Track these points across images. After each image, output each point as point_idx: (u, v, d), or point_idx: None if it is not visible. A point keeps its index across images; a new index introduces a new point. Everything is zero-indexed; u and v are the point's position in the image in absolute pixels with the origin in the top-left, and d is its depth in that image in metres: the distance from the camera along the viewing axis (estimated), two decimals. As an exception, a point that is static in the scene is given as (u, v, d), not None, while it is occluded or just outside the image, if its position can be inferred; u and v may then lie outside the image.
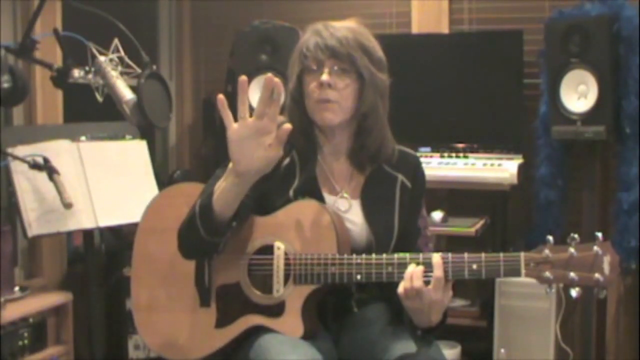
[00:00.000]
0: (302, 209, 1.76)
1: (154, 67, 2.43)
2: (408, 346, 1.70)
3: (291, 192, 1.80)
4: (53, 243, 3.04)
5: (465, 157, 3.30)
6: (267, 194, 1.79)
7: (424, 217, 2.08)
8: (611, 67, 2.87)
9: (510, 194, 3.22)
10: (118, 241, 3.17)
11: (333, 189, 1.86)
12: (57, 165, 2.50)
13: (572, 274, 1.60)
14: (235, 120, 1.59)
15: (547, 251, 1.62)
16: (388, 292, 1.77)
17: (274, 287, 1.74)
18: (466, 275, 1.65)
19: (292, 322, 1.72)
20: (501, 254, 1.64)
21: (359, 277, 1.70)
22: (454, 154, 3.32)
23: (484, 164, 3.19)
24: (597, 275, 1.59)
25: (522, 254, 1.63)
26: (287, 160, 1.84)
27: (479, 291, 3.38)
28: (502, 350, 3.06)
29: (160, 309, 1.85)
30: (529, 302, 3.01)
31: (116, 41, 2.35)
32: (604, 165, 3.20)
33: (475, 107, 3.37)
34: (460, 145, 3.35)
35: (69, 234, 3.05)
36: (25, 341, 2.62)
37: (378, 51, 1.84)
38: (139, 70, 2.36)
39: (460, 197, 3.41)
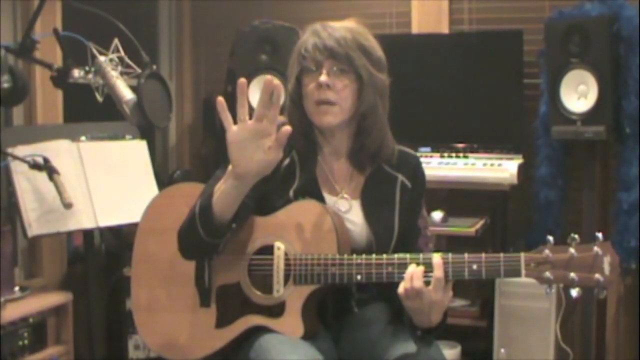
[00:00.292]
0: (303, 210, 1.76)
1: (154, 67, 2.43)
2: (408, 346, 1.70)
3: (291, 193, 1.80)
4: (53, 243, 3.04)
5: (465, 157, 3.30)
6: (267, 194, 1.79)
7: (424, 217, 2.08)
8: (611, 67, 2.87)
9: (510, 194, 3.22)
10: (118, 241, 3.17)
11: (333, 190, 1.86)
12: (57, 165, 2.50)
13: (572, 274, 1.60)
14: (235, 122, 1.59)
15: (547, 251, 1.62)
16: (388, 292, 1.77)
17: (274, 288, 1.74)
18: (466, 276, 1.65)
19: (292, 323, 1.72)
20: (501, 255, 1.64)
21: (359, 277, 1.70)
22: (454, 154, 3.32)
23: (484, 164, 3.19)
24: (597, 275, 1.59)
25: (522, 255, 1.63)
26: (287, 161, 1.84)
27: (479, 291, 3.38)
28: (502, 350, 3.06)
29: (161, 309, 1.85)
30: (529, 302, 3.01)
31: (116, 41, 2.35)
32: (604, 165, 3.20)
33: (475, 107, 3.37)
34: (460, 145, 3.35)
35: (69, 234, 3.05)
36: (25, 341, 2.61)
37: (377, 51, 1.84)
38: (139, 70, 2.36)
39: (460, 197, 3.41)
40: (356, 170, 1.88)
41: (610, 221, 3.10)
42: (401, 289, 1.65)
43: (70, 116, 3.13)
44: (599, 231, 1.64)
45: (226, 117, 1.59)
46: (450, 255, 1.66)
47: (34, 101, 2.96)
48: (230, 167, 1.64)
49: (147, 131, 3.05)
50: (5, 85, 2.25)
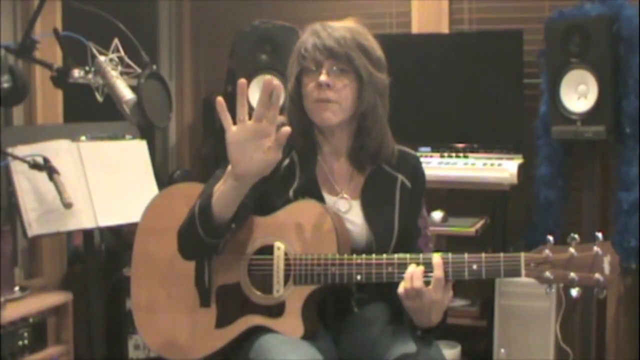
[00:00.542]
0: (302, 209, 1.76)
1: (154, 67, 2.43)
2: (408, 346, 1.70)
3: (291, 193, 1.80)
4: (53, 243, 3.04)
5: (465, 157, 3.30)
6: (267, 194, 1.79)
7: (424, 217, 2.08)
8: (611, 67, 2.87)
9: (510, 194, 3.22)
10: (118, 241, 3.17)
11: (333, 190, 1.86)
12: (57, 165, 2.50)
13: (572, 274, 1.60)
14: (234, 122, 1.59)
15: (547, 251, 1.62)
16: (388, 292, 1.77)
17: (274, 288, 1.74)
18: (466, 276, 1.65)
19: (292, 323, 1.72)
20: (501, 254, 1.64)
21: (359, 277, 1.70)
22: (454, 154, 3.32)
23: (484, 164, 3.19)
24: (597, 275, 1.59)
25: (522, 254, 1.63)
26: (287, 161, 1.84)
27: (479, 291, 3.38)
28: (502, 350, 3.06)
29: (160, 309, 1.85)
30: (529, 302, 3.01)
31: (116, 41, 2.35)
32: (604, 165, 3.20)
33: (475, 107, 3.36)
34: (460, 145, 3.35)
35: (69, 234, 3.05)
36: (25, 341, 2.62)
37: (377, 50, 1.83)
38: (139, 70, 2.36)
39: (460, 197, 3.41)
40: (356, 170, 1.88)
41: (610, 221, 3.10)
42: (401, 289, 1.65)
43: (70, 116, 3.13)
44: (599, 231, 1.64)
45: (225, 117, 1.59)
46: (450, 255, 1.66)
47: (34, 101, 2.96)
48: (229, 167, 1.64)
49: (147, 131, 3.05)
50: (5, 85, 2.25)
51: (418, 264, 1.66)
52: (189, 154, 4.10)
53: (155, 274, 1.87)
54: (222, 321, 1.78)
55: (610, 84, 2.86)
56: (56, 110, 3.07)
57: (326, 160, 1.88)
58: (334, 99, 1.77)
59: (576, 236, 1.62)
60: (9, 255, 2.71)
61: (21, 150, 2.53)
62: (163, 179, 3.36)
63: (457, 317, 3.25)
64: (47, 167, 2.47)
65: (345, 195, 1.86)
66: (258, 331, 1.73)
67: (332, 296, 1.83)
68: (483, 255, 1.65)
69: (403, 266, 1.67)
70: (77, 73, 2.33)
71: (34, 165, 2.45)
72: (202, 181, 1.85)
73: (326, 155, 1.88)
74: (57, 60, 2.48)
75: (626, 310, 3.12)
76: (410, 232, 1.90)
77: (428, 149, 3.38)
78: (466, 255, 1.65)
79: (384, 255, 1.70)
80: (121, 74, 2.35)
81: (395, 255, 1.70)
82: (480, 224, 3.20)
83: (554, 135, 2.99)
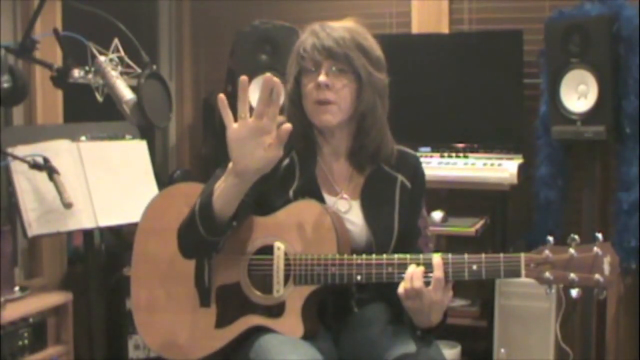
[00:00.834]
0: (302, 209, 1.76)
1: (154, 67, 2.43)
2: (408, 346, 1.70)
3: (291, 193, 1.80)
4: (53, 243, 3.04)
5: (465, 157, 3.30)
6: (267, 194, 1.79)
7: (424, 217, 2.08)
8: (611, 67, 2.87)
9: (510, 194, 3.22)
10: (118, 241, 3.17)
11: (333, 190, 1.86)
12: (57, 165, 2.50)
13: (572, 275, 1.60)
14: (236, 120, 1.59)
15: (547, 252, 1.62)
16: (388, 292, 1.77)
17: (274, 288, 1.74)
18: (466, 276, 1.65)
19: (292, 323, 1.72)
20: (501, 255, 1.64)
21: (359, 277, 1.70)
22: (454, 154, 3.32)
23: (484, 164, 3.19)
24: (597, 276, 1.59)
25: (522, 255, 1.63)
26: (286, 161, 1.84)
27: (479, 291, 3.38)
28: (502, 350, 3.06)
29: (160, 309, 1.85)
30: (529, 302, 3.01)
31: (116, 41, 2.35)
32: (604, 165, 3.20)
33: (475, 107, 3.36)
34: (460, 145, 3.35)
35: (69, 234, 3.05)
36: (25, 341, 2.61)
37: (376, 50, 1.83)
38: (139, 70, 2.36)
39: (460, 197, 3.41)
40: (356, 170, 1.88)
41: (610, 221, 3.10)
42: (401, 289, 1.65)
43: (70, 116, 3.13)
44: (599, 231, 1.64)
45: (227, 114, 1.59)
46: (450, 255, 1.66)
47: (34, 101, 2.96)
48: (230, 165, 1.64)
49: (147, 131, 3.05)
50: (5, 85, 2.25)
51: (418, 264, 1.66)
52: (189, 154, 4.10)
53: (155, 274, 1.86)
54: (222, 321, 1.78)
55: (610, 84, 2.86)
56: (56, 110, 3.07)
57: (326, 160, 1.88)
58: (333, 100, 1.77)
59: (576, 237, 1.62)
60: (9, 255, 2.71)
61: (21, 150, 2.53)
62: (163, 179, 3.36)
63: (457, 317, 3.25)
64: (47, 167, 2.47)
65: (345, 196, 1.86)
66: (258, 331, 1.73)
67: (332, 296, 1.83)
68: (483, 255, 1.65)
69: (403, 266, 1.67)
70: (77, 73, 2.33)
71: (34, 165, 2.45)
72: (202, 181, 1.85)
73: (326, 155, 1.88)
74: (57, 60, 2.48)
75: (626, 310, 3.12)
76: (410, 232, 1.90)
77: (428, 149, 3.38)
78: (466, 255, 1.65)
79: (384, 256, 1.70)
80: (121, 74, 2.34)
81: (395, 256, 1.70)
82: (480, 224, 3.20)
83: (554, 135, 2.99)
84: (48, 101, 3.01)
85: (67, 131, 2.79)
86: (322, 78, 1.76)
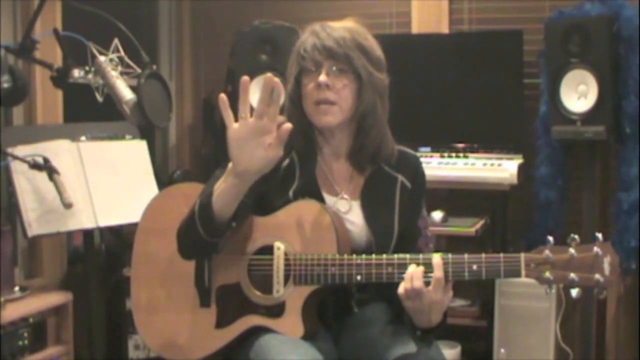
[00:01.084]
0: (302, 209, 1.76)
1: (154, 67, 2.43)
2: (408, 346, 1.70)
3: (291, 193, 1.80)
4: (53, 243, 3.04)
5: (465, 157, 3.30)
6: (267, 194, 1.79)
7: (424, 218, 2.08)
8: (611, 67, 2.87)
9: (510, 194, 3.22)
10: (118, 241, 3.17)
11: (333, 190, 1.86)
12: (57, 165, 2.50)
13: (572, 275, 1.60)
14: (236, 119, 1.59)
15: (547, 252, 1.62)
16: (388, 292, 1.77)
17: (274, 288, 1.74)
18: (466, 276, 1.65)
19: (292, 323, 1.72)
20: (501, 255, 1.64)
21: (359, 277, 1.70)
22: (454, 154, 3.32)
23: (484, 164, 3.19)
24: (597, 276, 1.59)
25: (523, 255, 1.63)
26: (286, 161, 1.84)
27: (479, 291, 3.38)
28: (502, 350, 3.06)
29: (161, 309, 1.85)
30: (529, 302, 3.01)
31: (116, 41, 2.35)
32: (604, 165, 3.20)
33: (475, 107, 3.36)
34: (460, 145, 3.35)
35: (69, 234, 3.05)
36: (25, 341, 2.61)
37: (376, 50, 1.83)
38: (139, 70, 2.36)
39: (460, 197, 3.41)
40: (356, 170, 1.88)
41: (610, 221, 3.10)
42: (401, 289, 1.65)
43: (70, 116, 3.13)
44: (599, 231, 1.64)
45: (228, 114, 1.59)
46: (450, 255, 1.66)
47: (34, 101, 2.96)
48: (230, 165, 1.64)
49: (147, 131, 3.05)
50: (5, 85, 2.25)
51: (418, 264, 1.66)
52: (189, 154, 4.10)
53: (155, 274, 1.86)
54: (222, 321, 1.78)
55: (610, 84, 2.86)
56: (56, 110, 3.07)
57: (326, 160, 1.88)
58: (334, 100, 1.77)
59: (576, 237, 1.62)
60: (9, 255, 2.71)
61: (21, 150, 2.53)
62: (163, 179, 3.37)
63: (457, 317, 3.25)
64: (47, 167, 2.46)
65: (345, 196, 1.86)
66: (258, 331, 1.73)
67: (332, 296, 1.83)
68: (483, 255, 1.65)
69: (403, 266, 1.67)
70: (77, 73, 2.33)
71: (34, 165, 2.45)
72: (202, 181, 1.84)
73: (326, 155, 1.88)
74: (57, 60, 2.47)
75: (626, 310, 3.12)
76: (411, 233, 1.90)
77: (428, 149, 3.38)
78: (466, 255, 1.65)
79: (384, 256, 1.70)
80: (121, 74, 2.34)
81: (395, 256, 1.70)
82: (480, 224, 3.20)
83: (554, 135, 2.99)
84: (48, 101, 3.01)
85: (67, 131, 2.79)
86: (322, 78, 1.76)
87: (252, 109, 1.59)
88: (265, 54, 3.27)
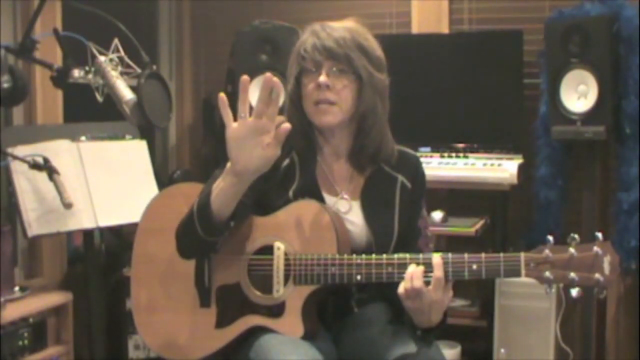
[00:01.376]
0: (302, 209, 1.76)
1: (154, 67, 2.43)
2: (408, 346, 1.70)
3: (291, 193, 1.80)
4: (53, 243, 3.04)
5: (465, 157, 3.30)
6: (267, 194, 1.79)
7: (424, 218, 2.07)
8: (611, 67, 2.87)
9: (510, 194, 3.22)
10: (118, 241, 3.17)
11: (333, 190, 1.86)
12: (57, 165, 2.50)
13: (572, 274, 1.60)
14: (235, 119, 1.59)
15: (547, 251, 1.62)
16: (388, 292, 1.77)
17: (274, 288, 1.74)
18: (466, 276, 1.65)
19: (292, 323, 1.72)
20: (501, 254, 1.64)
21: (359, 277, 1.70)
22: (454, 154, 3.32)
23: (484, 164, 3.19)
24: (597, 275, 1.59)
25: (522, 254, 1.63)
26: (286, 161, 1.84)
27: (479, 291, 3.38)
28: (502, 350, 3.05)
29: (161, 309, 1.85)
30: (529, 302, 3.01)
31: (116, 41, 2.35)
32: (604, 165, 3.20)
33: (475, 107, 3.36)
34: (460, 145, 3.35)
35: (69, 234, 3.05)
36: (25, 341, 2.61)
37: (376, 50, 1.83)
38: (139, 70, 2.36)
39: (460, 197, 3.41)
40: (356, 171, 1.88)
41: (610, 221, 3.10)
42: (401, 288, 1.65)
43: (70, 116, 3.13)
44: (599, 231, 1.64)
45: (227, 113, 1.59)
46: (450, 255, 1.66)
47: (34, 101, 2.96)
48: (228, 165, 1.64)
49: (147, 131, 3.05)
50: (5, 85, 2.25)
51: (418, 264, 1.66)
52: (189, 154, 4.10)
53: (156, 274, 1.86)
54: (222, 321, 1.78)
55: (610, 84, 2.86)
56: (56, 110, 3.07)
57: (326, 161, 1.88)
58: (334, 100, 1.77)
59: (576, 236, 1.62)
60: (9, 255, 2.71)
61: (21, 150, 2.53)
62: (163, 179, 3.36)
63: (457, 317, 3.25)
64: (47, 167, 2.46)
65: (345, 196, 1.86)
66: (258, 331, 1.73)
67: (332, 296, 1.83)
68: (483, 255, 1.65)
69: (403, 266, 1.67)
70: (77, 73, 2.33)
71: (34, 165, 2.45)
72: (202, 181, 1.84)
73: (326, 156, 1.88)
74: (57, 60, 2.47)
75: (626, 310, 3.12)
76: (411, 233, 1.90)
77: (428, 149, 3.38)
78: (466, 255, 1.65)
79: (384, 256, 1.70)
80: (121, 74, 2.34)
81: (395, 256, 1.70)
82: (480, 224, 3.20)
83: (554, 135, 2.99)
84: (48, 101, 3.01)
85: (67, 131, 2.79)
86: (322, 78, 1.76)
87: (251, 108, 1.59)
88: (265, 54, 3.27)
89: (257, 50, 3.27)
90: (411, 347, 1.70)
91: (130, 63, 2.37)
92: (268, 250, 1.76)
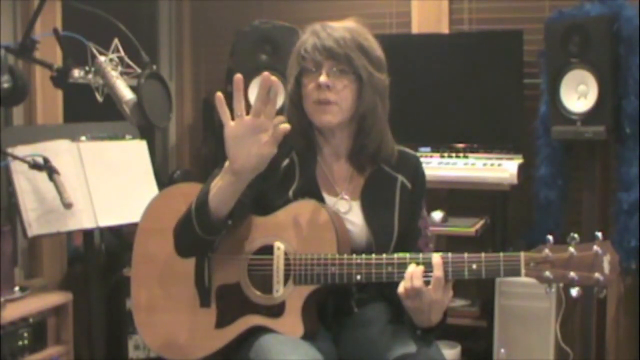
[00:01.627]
0: (302, 209, 1.76)
1: (154, 67, 2.43)
2: (408, 346, 1.70)
3: (291, 193, 1.80)
4: (53, 243, 3.04)
5: (465, 157, 3.29)
6: (267, 194, 1.79)
7: (424, 218, 2.07)
8: (611, 67, 2.87)
9: (510, 194, 3.22)
10: (118, 241, 3.17)
11: (333, 191, 1.86)
12: (57, 165, 2.50)
13: (572, 274, 1.60)
14: (233, 118, 1.59)
15: (547, 251, 1.62)
16: (388, 292, 1.77)
17: (274, 288, 1.74)
18: (466, 275, 1.65)
19: (292, 323, 1.72)
20: (501, 254, 1.64)
21: (359, 277, 1.70)
22: (454, 154, 3.32)
23: (484, 164, 3.19)
24: (597, 274, 1.59)
25: (522, 254, 1.63)
26: (286, 161, 1.84)
27: (479, 291, 3.38)
28: (502, 350, 3.05)
29: (161, 309, 1.85)
30: (529, 302, 3.00)
31: (116, 41, 2.35)
32: (604, 165, 3.19)
33: (475, 107, 3.36)
34: (460, 145, 3.35)
35: (69, 234, 3.05)
36: (25, 341, 2.61)
37: (376, 50, 1.83)
38: (139, 70, 2.36)
39: (460, 197, 3.41)
40: (356, 171, 1.88)
41: (610, 221, 3.10)
42: (401, 288, 1.65)
43: (70, 116, 3.13)
44: (599, 231, 1.63)
45: (224, 112, 1.60)
46: (450, 255, 1.66)
47: (34, 101, 2.96)
48: (227, 164, 1.64)
49: (147, 131, 3.05)
50: (5, 85, 2.25)
51: (418, 263, 1.66)
52: (189, 154, 4.10)
53: (156, 274, 1.87)
54: (222, 321, 1.78)
55: (610, 84, 2.86)
56: (56, 110, 3.07)
57: (326, 161, 1.88)
58: (334, 100, 1.77)
59: (576, 236, 1.62)
60: (9, 255, 2.71)
61: (21, 150, 2.53)
62: (163, 179, 3.36)
63: (457, 317, 3.25)
64: (47, 167, 2.47)
65: (345, 196, 1.86)
66: (258, 331, 1.73)
67: (332, 296, 1.83)
68: (483, 254, 1.65)
69: (403, 266, 1.67)
70: (77, 73, 2.33)
71: (34, 165, 2.45)
72: (202, 181, 1.84)
73: (326, 156, 1.88)
74: (57, 60, 2.47)
75: (626, 310, 3.12)
76: (411, 233, 1.90)
77: (428, 149, 3.38)
78: (466, 255, 1.65)
79: (384, 255, 1.70)
80: (121, 74, 2.34)
81: (395, 255, 1.70)
82: (480, 224, 3.20)
83: (554, 135, 2.99)
84: (48, 101, 3.01)
85: (67, 131, 2.79)
86: (322, 79, 1.76)
87: (251, 106, 1.60)
88: (265, 54, 3.27)
89: (257, 50, 3.27)
90: (411, 347, 1.70)
91: (130, 63, 2.37)
92: (268, 250, 1.76)
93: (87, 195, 2.69)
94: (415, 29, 3.59)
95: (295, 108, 1.84)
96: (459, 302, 3.35)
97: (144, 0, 3.98)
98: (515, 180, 3.09)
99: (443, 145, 3.37)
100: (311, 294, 1.73)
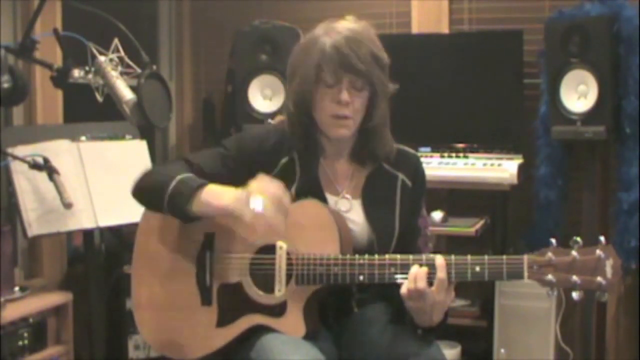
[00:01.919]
0: (305, 209, 1.76)
1: (154, 67, 2.42)
2: (408, 346, 1.71)
3: (293, 192, 1.80)
4: (53, 243, 3.04)
5: (465, 157, 3.29)
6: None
7: (424, 217, 2.08)
8: (611, 67, 2.87)
9: (510, 194, 3.22)
10: (118, 241, 3.17)
11: (334, 190, 1.86)
12: (57, 165, 2.50)
13: (574, 277, 1.60)
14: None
15: (550, 254, 1.62)
16: (388, 292, 1.77)
17: (275, 287, 1.74)
18: (469, 277, 1.65)
19: (293, 322, 1.72)
20: (504, 257, 1.64)
21: (361, 277, 1.70)
22: (454, 154, 3.32)
23: (484, 164, 3.19)
24: (599, 278, 1.59)
25: (525, 257, 1.63)
26: (285, 159, 1.83)
27: (479, 291, 3.38)
28: (502, 350, 3.06)
29: (161, 308, 1.85)
30: (529, 302, 3.01)
31: (116, 41, 2.35)
32: (604, 165, 3.19)
33: (475, 107, 3.36)
34: (460, 145, 3.35)
35: (69, 234, 3.05)
36: (25, 341, 2.61)
37: (385, 56, 1.82)
38: (139, 70, 2.36)
39: (460, 197, 3.41)
40: (357, 169, 1.88)
41: (610, 221, 3.10)
42: (404, 289, 1.65)
43: (70, 116, 3.13)
44: (598, 231, 1.64)
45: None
46: (453, 257, 1.66)
47: (34, 101, 2.95)
48: (244, 192, 1.65)
49: (147, 131, 3.05)
50: (5, 85, 2.24)
51: (421, 265, 1.66)
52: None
53: (156, 272, 1.86)
54: (223, 320, 1.78)
55: (610, 84, 2.86)
56: (56, 110, 3.07)
57: (328, 160, 1.88)
58: (351, 115, 1.77)
59: (578, 239, 1.62)
60: (9, 255, 2.71)
61: (21, 150, 2.53)
62: (163, 179, 3.35)
63: (457, 317, 3.24)
64: (47, 167, 2.46)
65: (347, 195, 1.86)
66: (259, 330, 1.73)
67: (333, 296, 1.83)
68: (486, 257, 1.64)
69: (406, 267, 1.67)
70: (77, 73, 2.32)
71: (34, 165, 2.45)
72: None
73: (328, 155, 1.88)
74: (57, 60, 2.47)
75: (626, 310, 3.12)
76: (411, 232, 1.91)
77: (428, 149, 3.38)
78: (469, 257, 1.65)
79: (387, 256, 1.70)
80: (121, 74, 2.34)
81: (398, 256, 1.70)
82: (480, 224, 3.20)
83: (554, 135, 2.99)
84: (48, 101, 3.01)
85: (67, 131, 2.79)
86: (344, 97, 1.74)
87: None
88: (265, 54, 3.27)
89: (257, 50, 3.27)
90: (411, 347, 1.70)
91: (130, 63, 2.37)
92: (270, 249, 1.76)
93: (87, 195, 2.69)
94: (415, 29, 3.59)
95: (300, 111, 1.82)
96: (459, 302, 3.35)
97: (144, 0, 3.97)
98: (515, 180, 3.09)
99: (443, 145, 3.37)
100: (313, 293, 1.73)
